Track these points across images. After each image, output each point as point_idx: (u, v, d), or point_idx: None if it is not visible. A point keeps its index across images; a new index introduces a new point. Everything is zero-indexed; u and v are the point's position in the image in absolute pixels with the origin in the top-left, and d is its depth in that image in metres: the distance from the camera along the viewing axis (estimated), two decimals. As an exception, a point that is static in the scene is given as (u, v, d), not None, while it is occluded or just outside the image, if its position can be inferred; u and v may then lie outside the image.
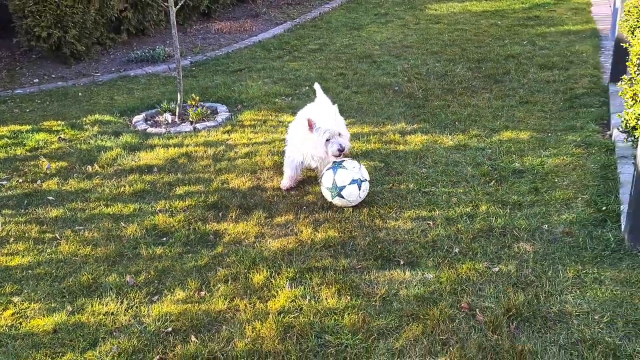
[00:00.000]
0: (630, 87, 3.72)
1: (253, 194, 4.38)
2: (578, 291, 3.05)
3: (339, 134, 4.02)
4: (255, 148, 5.16)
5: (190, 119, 5.92)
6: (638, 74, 3.72)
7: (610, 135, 4.89)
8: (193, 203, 4.26)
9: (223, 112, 6.13)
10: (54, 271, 3.54)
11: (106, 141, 5.48)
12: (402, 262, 3.43)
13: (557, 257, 3.35)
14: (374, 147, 5.02)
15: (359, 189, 3.97)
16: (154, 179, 4.70)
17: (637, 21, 5.20)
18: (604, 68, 6.73)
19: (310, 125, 4.00)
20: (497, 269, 3.28)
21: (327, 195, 4.05)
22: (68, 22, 7.76)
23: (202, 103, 6.21)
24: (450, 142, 5.05)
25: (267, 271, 3.40)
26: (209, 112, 6.09)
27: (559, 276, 3.18)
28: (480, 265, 3.32)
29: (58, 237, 3.92)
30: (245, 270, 3.43)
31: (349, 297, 3.13)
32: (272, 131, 5.53)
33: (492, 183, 4.29)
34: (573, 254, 3.37)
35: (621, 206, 3.72)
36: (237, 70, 7.61)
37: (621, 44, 5.63)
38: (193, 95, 6.10)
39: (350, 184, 3.93)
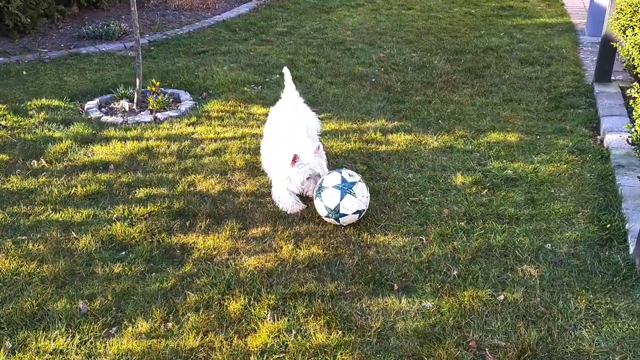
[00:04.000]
0: (641, 96, 3.45)
1: (224, 199, 3.91)
2: (593, 325, 2.77)
3: (318, 175, 3.64)
4: (224, 144, 4.67)
5: (150, 108, 5.36)
6: (651, 83, 3.45)
7: (602, 141, 4.66)
8: (156, 209, 3.76)
9: (186, 100, 5.58)
10: (-10, 294, 3.01)
11: (54, 131, 4.87)
12: (396, 287, 3.07)
13: (566, 283, 3.06)
14: (354, 147, 4.62)
15: (357, 219, 3.57)
16: (110, 179, 4.16)
17: (630, 20, 4.96)
18: (585, 65, 6.52)
19: (294, 160, 3.61)
20: (502, 297, 2.97)
21: (322, 212, 3.56)
22: (10, -9, 6.97)
23: (163, 89, 5.64)
24: (436, 143, 4.70)
25: (244, 298, 2.97)
26: (170, 99, 5.53)
27: (570, 307, 2.89)
28: (484, 293, 3.00)
29: (-4, 249, 3.37)
30: (219, 296, 3.00)
31: (340, 332, 2.75)
32: (242, 125, 5.04)
33: (484, 192, 3.98)
34: (582, 279, 3.08)
35: (626, 224, 3.47)
36: (200, 52, 7.03)
37: (610, 43, 5.41)
38: (153, 80, 5.52)
39: (353, 213, 3.50)
